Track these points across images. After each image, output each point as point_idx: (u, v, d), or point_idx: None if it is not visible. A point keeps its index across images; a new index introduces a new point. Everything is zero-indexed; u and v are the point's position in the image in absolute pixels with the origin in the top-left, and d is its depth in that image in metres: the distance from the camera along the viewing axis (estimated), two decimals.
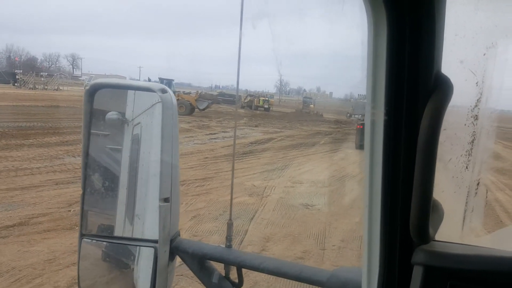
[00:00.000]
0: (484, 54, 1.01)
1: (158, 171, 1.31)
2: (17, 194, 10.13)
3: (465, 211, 1.17)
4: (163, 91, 1.31)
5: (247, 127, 29.22)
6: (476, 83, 1.03)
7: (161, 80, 37.50)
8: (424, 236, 0.91)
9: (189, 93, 40.77)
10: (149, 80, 40.28)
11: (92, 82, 1.40)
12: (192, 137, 22.20)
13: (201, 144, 20.20)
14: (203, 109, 36.84)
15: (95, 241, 1.48)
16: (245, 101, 48.35)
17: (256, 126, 30.65)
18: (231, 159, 16.78)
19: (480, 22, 0.98)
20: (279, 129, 30.24)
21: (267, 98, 50.80)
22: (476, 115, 1.06)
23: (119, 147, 1.56)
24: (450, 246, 0.99)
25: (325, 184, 13.64)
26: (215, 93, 40.77)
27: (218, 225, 9.20)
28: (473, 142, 1.08)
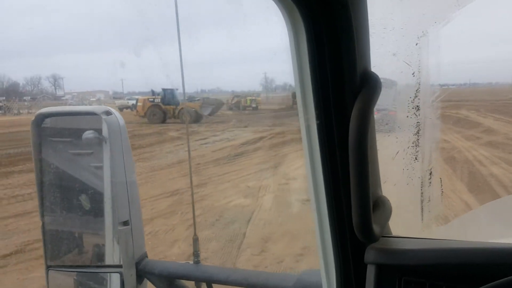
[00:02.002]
0: (417, 44, 1.00)
1: (114, 195, 1.29)
2: (11, 222, 10.06)
3: (421, 201, 1.16)
4: (107, 113, 1.28)
5: (237, 129, 29.15)
6: (413, 73, 1.02)
7: (164, 90, 36.81)
8: (369, 234, 0.90)
9: (194, 100, 40.09)
10: (153, 92, 39.19)
11: (37, 112, 1.38)
12: (182, 144, 22.11)
13: (191, 150, 20.13)
14: (209, 115, 36.28)
15: (62, 271, 1.45)
16: (232, 102, 48.13)
17: (245, 126, 30.58)
18: (223, 163, 16.73)
19: (408, 12, 0.97)
20: (269, 127, 30.21)
21: (254, 97, 50.54)
22: (417, 106, 1.05)
23: (101, 164, 1.55)
24: (401, 242, 0.99)
25: None
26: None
27: (215, 231, 9.18)
28: (418, 133, 1.07)
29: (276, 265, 7.51)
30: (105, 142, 1.54)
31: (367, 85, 0.86)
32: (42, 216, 1.40)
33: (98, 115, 1.30)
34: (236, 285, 1.32)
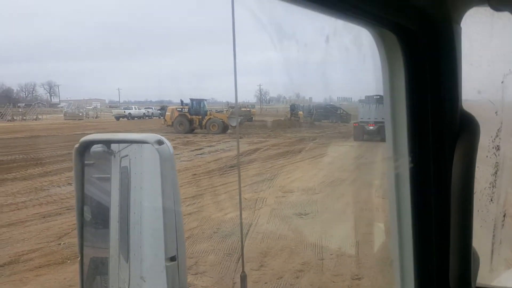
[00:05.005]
0: (502, 82, 0.95)
1: (160, 227, 1.22)
2: (5, 231, 9.85)
3: (492, 244, 1.10)
4: (160, 142, 1.22)
5: (232, 139, 29.10)
6: (496, 112, 0.97)
7: (192, 101, 36.74)
8: (466, 286, 0.85)
9: (221, 111, 40.01)
10: (182, 102, 38.71)
11: (82, 139, 1.31)
12: (178, 154, 21.99)
13: (187, 161, 20.02)
14: (235, 126, 36.35)
15: None
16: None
17: (240, 137, 30.53)
18: (220, 174, 16.62)
19: (496, 49, 0.92)
20: (263, 138, 30.18)
21: (248, 109, 50.76)
22: (498, 146, 1.00)
23: (107, 175, 1.48)
24: None
25: (316, 191, 13.59)
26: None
27: (213, 243, 9.07)
28: (496, 174, 1.02)
29: (275, 282, 7.41)
30: (114, 156, 1.47)
31: (468, 128, 0.80)
32: (81, 249, 1.32)
33: (150, 144, 1.23)
34: None
